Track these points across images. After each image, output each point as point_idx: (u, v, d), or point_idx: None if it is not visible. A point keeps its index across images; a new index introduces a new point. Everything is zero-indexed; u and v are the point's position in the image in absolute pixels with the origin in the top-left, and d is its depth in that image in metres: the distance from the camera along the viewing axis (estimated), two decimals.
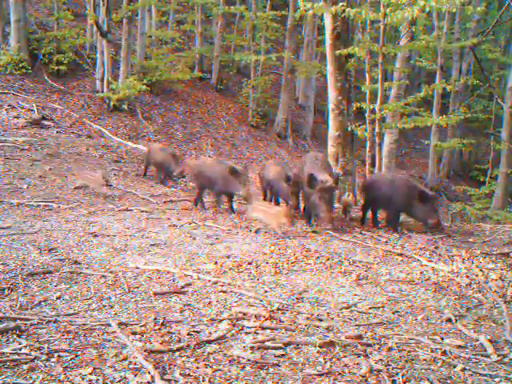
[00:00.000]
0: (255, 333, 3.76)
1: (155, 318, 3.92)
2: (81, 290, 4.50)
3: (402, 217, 7.83)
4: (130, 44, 15.44)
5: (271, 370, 3.26)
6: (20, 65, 15.02)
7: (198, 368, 3.22)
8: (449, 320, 4.25)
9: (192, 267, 5.27)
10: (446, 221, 10.18)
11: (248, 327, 3.84)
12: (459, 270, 5.62)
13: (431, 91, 10.60)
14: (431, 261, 5.97)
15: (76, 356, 3.30)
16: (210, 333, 3.73)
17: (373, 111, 9.49)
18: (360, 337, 3.79)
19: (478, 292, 5.02)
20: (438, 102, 16.04)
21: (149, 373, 3.08)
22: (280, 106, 19.38)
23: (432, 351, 3.61)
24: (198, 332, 3.74)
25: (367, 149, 9.90)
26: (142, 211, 7.86)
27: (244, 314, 4.08)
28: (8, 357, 3.22)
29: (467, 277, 5.43)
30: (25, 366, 3.13)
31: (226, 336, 3.68)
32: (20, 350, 3.32)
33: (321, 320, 4.12)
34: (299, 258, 5.78)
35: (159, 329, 3.75)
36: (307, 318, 4.12)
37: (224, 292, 4.60)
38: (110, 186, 9.34)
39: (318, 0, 9.67)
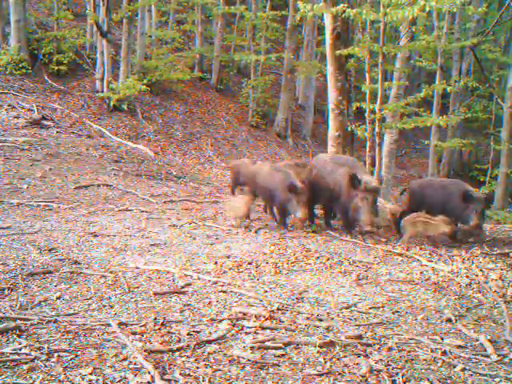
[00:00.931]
0: (255, 333, 3.76)
1: (155, 318, 3.92)
2: (81, 290, 4.51)
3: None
4: (129, 44, 15.44)
5: (271, 370, 3.26)
6: (20, 65, 15.02)
7: (197, 368, 3.22)
8: (449, 320, 4.26)
9: (192, 267, 5.27)
10: None
11: (248, 327, 3.84)
12: (459, 270, 5.62)
13: (431, 91, 10.59)
14: (431, 261, 5.97)
15: (76, 356, 3.30)
16: (210, 333, 3.73)
17: (373, 111, 9.47)
18: (360, 337, 3.80)
19: (478, 292, 5.02)
20: (438, 102, 16.02)
21: (149, 373, 3.08)
22: (280, 106, 19.38)
23: (432, 351, 3.62)
24: (198, 332, 3.74)
25: (367, 149, 9.88)
26: (142, 211, 7.86)
27: (244, 314, 4.08)
28: (8, 357, 3.22)
29: (467, 277, 5.43)
30: (25, 366, 3.13)
31: (226, 336, 3.68)
32: (20, 350, 3.32)
33: (321, 320, 4.12)
34: (299, 258, 5.78)
35: (159, 329, 3.76)
36: (307, 318, 4.13)
37: (224, 292, 4.60)
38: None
39: (318, 0, 9.66)
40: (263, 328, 3.84)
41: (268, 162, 8.97)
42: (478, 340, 3.84)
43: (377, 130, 9.20)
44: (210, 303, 4.33)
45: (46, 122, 13.26)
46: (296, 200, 6.88)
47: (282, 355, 3.45)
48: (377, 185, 6.76)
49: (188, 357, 3.35)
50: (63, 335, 3.58)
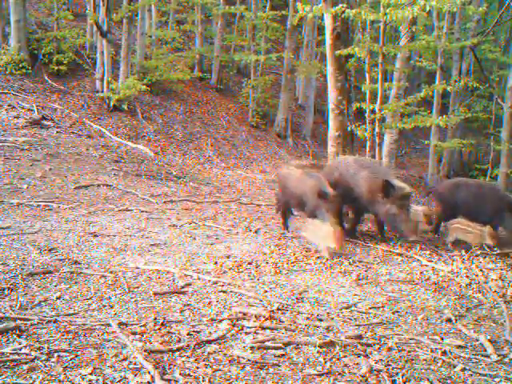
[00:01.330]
0: (255, 333, 3.76)
1: (155, 318, 3.92)
2: (81, 290, 4.51)
3: None
4: (129, 44, 15.43)
5: (271, 370, 3.26)
6: (20, 65, 15.00)
7: (198, 368, 3.22)
8: (449, 320, 4.26)
9: (192, 267, 5.27)
10: None
11: (248, 327, 3.84)
12: (459, 270, 5.62)
13: (431, 91, 10.59)
14: (431, 261, 5.97)
15: (76, 356, 3.30)
16: (210, 333, 3.73)
17: (373, 111, 9.47)
18: (360, 337, 3.80)
19: (478, 292, 5.03)
20: (438, 102, 16.02)
21: (149, 373, 3.09)
22: (280, 106, 19.36)
23: (432, 351, 3.62)
24: (198, 332, 3.74)
25: (367, 149, 9.88)
26: (142, 211, 7.86)
27: (244, 314, 4.08)
28: (8, 357, 3.23)
29: (467, 277, 5.43)
30: (25, 366, 3.14)
31: (226, 336, 3.68)
32: (20, 349, 3.32)
33: (321, 320, 4.12)
34: (299, 258, 5.78)
35: (159, 329, 3.76)
36: (307, 318, 4.13)
37: (224, 292, 4.60)
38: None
39: (317, 0, 9.64)
40: (263, 328, 3.85)
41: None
42: (478, 340, 3.84)
43: (377, 129, 9.20)
44: (209, 303, 4.33)
45: (46, 122, 13.25)
46: (325, 207, 6.29)
47: (282, 355, 3.45)
48: (410, 190, 6.53)
49: (188, 357, 3.36)
50: (63, 335, 3.58)
